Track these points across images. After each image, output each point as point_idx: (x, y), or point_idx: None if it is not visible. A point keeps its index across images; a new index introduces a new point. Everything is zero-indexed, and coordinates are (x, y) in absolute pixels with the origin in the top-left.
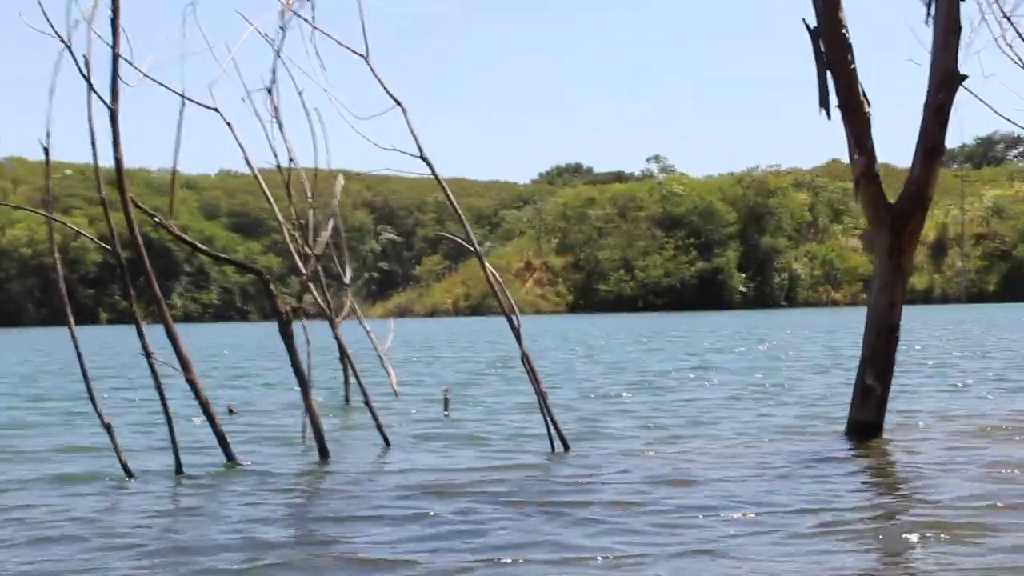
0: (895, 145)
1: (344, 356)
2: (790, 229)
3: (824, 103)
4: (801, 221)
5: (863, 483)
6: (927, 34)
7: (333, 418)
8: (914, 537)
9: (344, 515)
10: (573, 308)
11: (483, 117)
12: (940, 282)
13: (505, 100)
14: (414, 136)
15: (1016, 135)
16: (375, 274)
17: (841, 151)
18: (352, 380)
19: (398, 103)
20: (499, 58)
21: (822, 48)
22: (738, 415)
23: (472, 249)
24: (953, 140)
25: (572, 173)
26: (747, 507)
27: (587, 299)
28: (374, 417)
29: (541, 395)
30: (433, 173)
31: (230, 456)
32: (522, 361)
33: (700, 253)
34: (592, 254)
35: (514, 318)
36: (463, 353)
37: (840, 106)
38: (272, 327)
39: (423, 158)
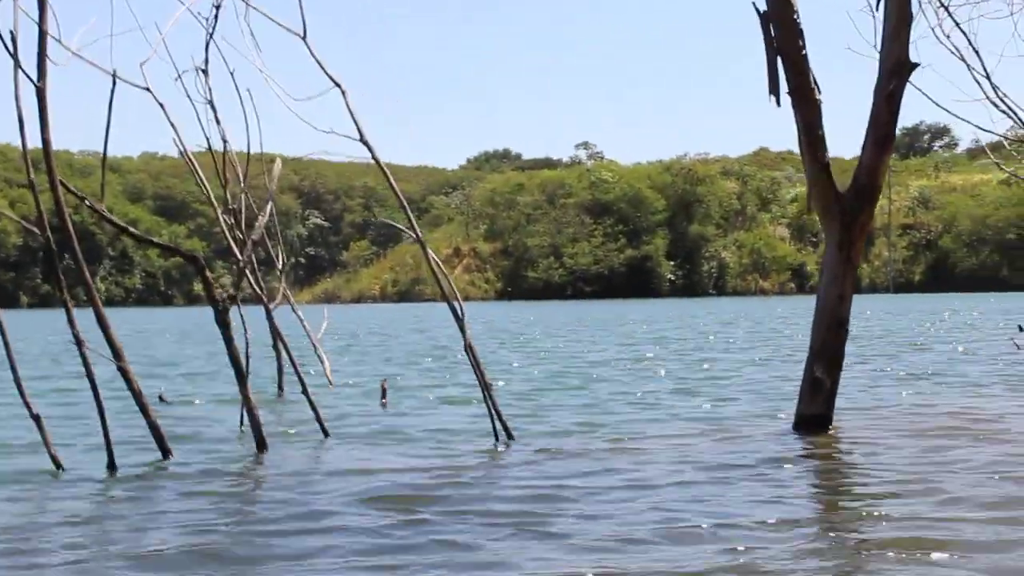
0: (840, 137)
1: (280, 344)
2: (718, 217)
3: (774, 89)
4: (729, 209)
5: (814, 485)
6: (868, 23)
7: (270, 410)
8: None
9: (282, 516)
10: (502, 295)
11: (410, 102)
12: (868, 272)
13: (432, 84)
14: (354, 118)
15: (942, 125)
16: (302, 259)
17: (769, 139)
18: (288, 370)
19: (337, 85)
20: (426, 42)
21: (772, 33)
22: (682, 408)
23: (413, 235)
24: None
25: (500, 159)
26: (709, 517)
27: (516, 286)
28: (313, 408)
29: (485, 386)
30: (374, 157)
31: (165, 451)
32: (466, 351)
33: (629, 240)
34: (521, 241)
35: (457, 305)
36: (398, 341)
37: (790, 92)
38: (200, 312)
39: (363, 141)
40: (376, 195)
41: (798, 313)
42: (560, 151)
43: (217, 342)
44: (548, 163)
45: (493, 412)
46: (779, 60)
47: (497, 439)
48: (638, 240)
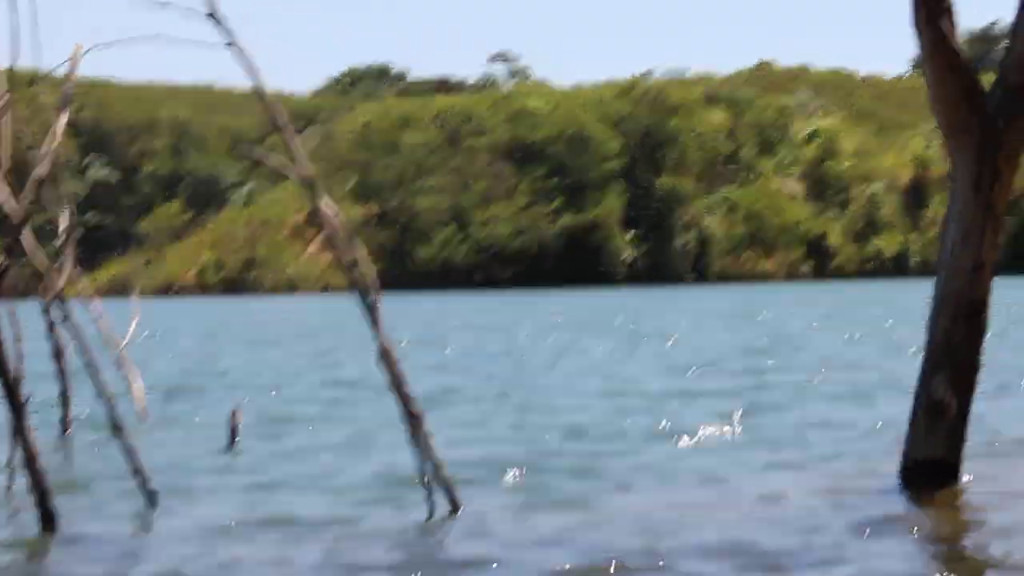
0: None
1: (73, 356)
2: (700, 166)
3: None
4: (716, 154)
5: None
6: None
7: (56, 455)
8: None
9: None
10: (380, 283)
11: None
12: (919, 245)
13: None
14: None
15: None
16: (80, 231)
17: (774, 49)
18: (79, 395)
19: None
20: None
21: None
22: (703, 457)
23: (297, 179)
24: None
25: (376, 79)
26: None
27: (401, 269)
28: (129, 456)
29: (413, 420)
30: (233, 44)
31: None
32: (379, 362)
33: (568, 201)
34: (407, 202)
35: (372, 294)
36: (249, 349)
37: None
38: None
39: (216, 18)
40: (192, 131)
41: (864, 300)
42: (465, 67)
43: None
44: (447, 85)
45: (427, 463)
46: None
47: (432, 512)
48: (581, 200)
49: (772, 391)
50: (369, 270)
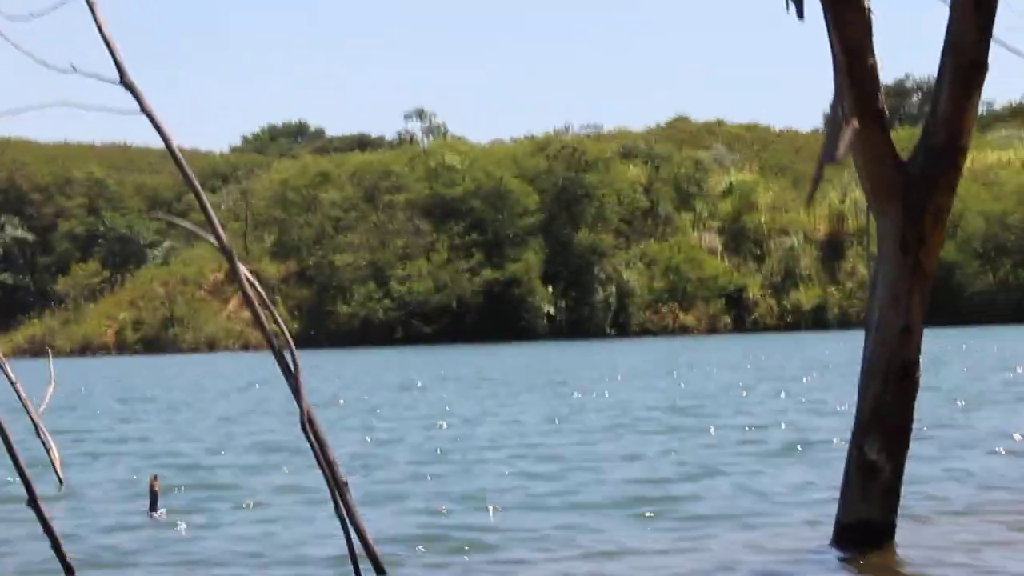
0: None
1: None
2: (618, 220)
3: None
4: (634, 208)
5: None
6: None
7: None
8: None
9: None
10: (299, 340)
11: (157, 53)
12: (837, 298)
13: (193, 31)
14: (110, 47)
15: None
16: None
17: (690, 104)
18: None
19: None
20: None
21: None
22: (630, 522)
23: (215, 243)
24: None
25: (293, 136)
26: None
27: (320, 327)
28: (46, 529)
29: (336, 487)
30: (145, 110)
31: None
32: (303, 428)
33: (487, 257)
34: (326, 259)
35: (289, 356)
36: (169, 411)
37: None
38: None
39: (125, 84)
40: (108, 192)
41: (777, 351)
42: (383, 124)
43: None
44: (365, 142)
45: (350, 532)
46: None
47: None
48: (500, 255)
49: (695, 452)
50: (286, 334)
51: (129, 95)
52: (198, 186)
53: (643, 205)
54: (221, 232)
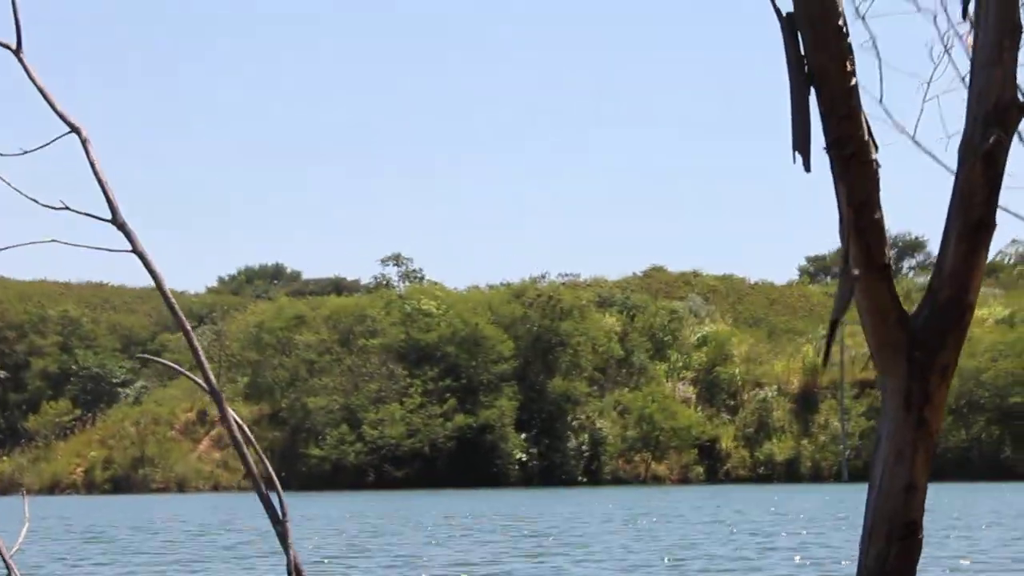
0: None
1: None
2: (592, 368)
3: (801, 144)
4: (608, 356)
5: None
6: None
7: None
8: None
9: None
10: (270, 482)
11: (132, 195)
12: (810, 451)
13: (172, 178)
14: (101, 183)
15: (914, 237)
16: None
17: (665, 255)
18: None
19: (73, 128)
20: (156, 112)
21: (802, 48)
22: None
23: (204, 386)
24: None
25: (269, 279)
26: None
27: (292, 470)
28: None
29: None
30: (136, 251)
31: None
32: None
33: (461, 402)
34: (299, 401)
35: (276, 499)
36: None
37: (829, 148)
38: None
39: (117, 223)
40: (81, 331)
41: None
42: (359, 268)
43: None
44: (341, 286)
45: None
46: (812, 93)
47: None
48: (474, 402)
49: None
50: (274, 478)
51: (120, 235)
52: (188, 327)
53: (618, 354)
54: (211, 374)
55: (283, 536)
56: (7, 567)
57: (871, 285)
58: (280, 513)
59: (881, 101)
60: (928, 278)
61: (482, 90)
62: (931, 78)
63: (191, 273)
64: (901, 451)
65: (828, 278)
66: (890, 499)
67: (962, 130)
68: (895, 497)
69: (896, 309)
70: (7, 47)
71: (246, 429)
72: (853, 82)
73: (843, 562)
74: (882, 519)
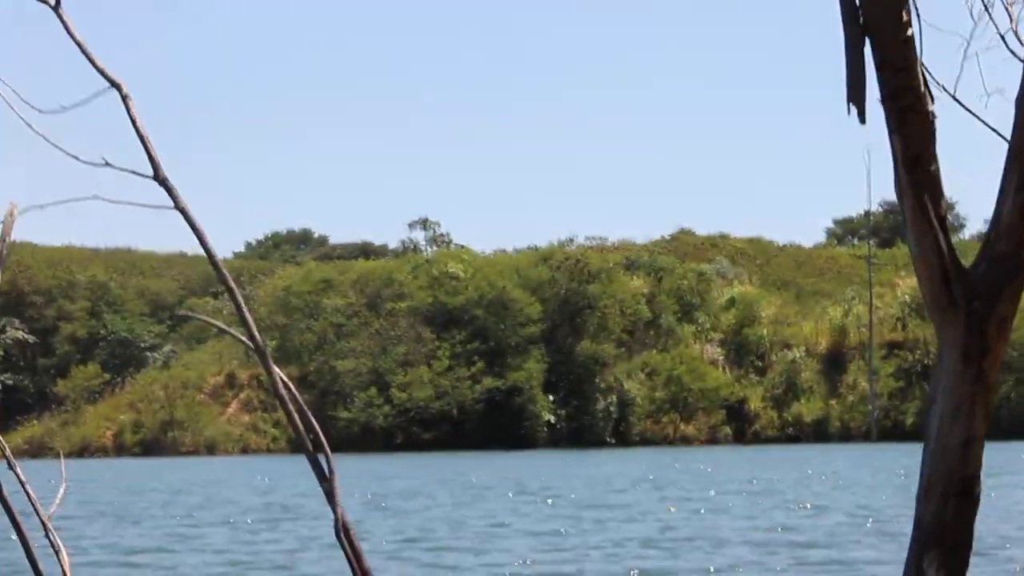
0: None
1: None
2: (620, 331)
3: (856, 95)
4: (636, 319)
5: None
6: None
7: None
8: None
9: None
10: (298, 446)
11: (162, 158)
12: (838, 411)
13: (193, 135)
14: (143, 139)
15: (948, 197)
16: None
17: (693, 217)
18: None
19: (114, 84)
20: (179, 74)
21: (857, 0)
22: None
23: (248, 343)
24: (854, 205)
25: (297, 244)
26: None
27: (321, 432)
28: None
29: None
30: (179, 207)
31: None
32: (338, 536)
33: (489, 365)
34: (327, 364)
35: (324, 461)
36: (169, 518)
37: (884, 100)
38: None
39: (159, 179)
40: (109, 296)
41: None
42: (386, 233)
43: None
44: (368, 250)
45: None
46: (866, 44)
47: None
48: (502, 364)
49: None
50: (320, 437)
51: (163, 191)
52: (232, 283)
53: (645, 316)
54: (255, 330)
55: (330, 494)
56: (45, 528)
57: (927, 239)
58: (327, 471)
59: (920, 59)
60: (959, 238)
61: (510, 53)
62: (971, 36)
63: (219, 238)
64: (959, 406)
65: (855, 240)
66: (947, 455)
67: (1019, 84)
68: (952, 453)
69: (953, 262)
70: (46, 3)
71: (291, 385)
72: (909, 32)
73: (894, 520)
74: (939, 476)
